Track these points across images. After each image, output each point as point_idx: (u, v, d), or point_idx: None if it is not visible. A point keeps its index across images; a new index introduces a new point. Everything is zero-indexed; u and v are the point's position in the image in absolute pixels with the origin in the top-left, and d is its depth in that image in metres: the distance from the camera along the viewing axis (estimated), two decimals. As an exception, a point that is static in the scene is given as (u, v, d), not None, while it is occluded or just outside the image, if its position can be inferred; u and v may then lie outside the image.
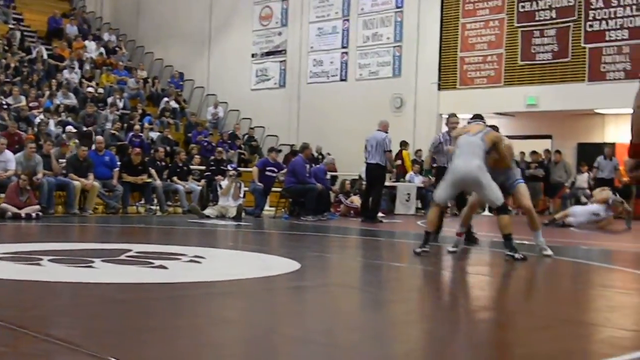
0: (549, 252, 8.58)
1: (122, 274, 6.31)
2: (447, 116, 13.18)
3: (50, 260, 6.70)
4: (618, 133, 20.48)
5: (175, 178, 16.14)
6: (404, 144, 20.57)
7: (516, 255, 8.11)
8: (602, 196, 15.12)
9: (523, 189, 8.85)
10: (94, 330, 4.11)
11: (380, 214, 17.01)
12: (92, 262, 6.74)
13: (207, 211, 15.05)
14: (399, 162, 19.74)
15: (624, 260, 9.86)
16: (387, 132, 14.72)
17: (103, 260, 6.85)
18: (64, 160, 14.74)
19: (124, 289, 5.57)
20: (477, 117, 8.98)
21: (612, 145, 20.30)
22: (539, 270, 8.18)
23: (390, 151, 14.90)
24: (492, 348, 4.27)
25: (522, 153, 21.51)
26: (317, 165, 16.81)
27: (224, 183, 15.35)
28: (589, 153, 20.72)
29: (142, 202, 15.91)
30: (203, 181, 16.69)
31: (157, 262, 6.91)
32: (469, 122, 8.98)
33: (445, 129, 12.08)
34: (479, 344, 4.35)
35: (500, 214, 8.30)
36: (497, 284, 7.37)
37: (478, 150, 8.28)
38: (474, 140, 8.37)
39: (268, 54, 25.19)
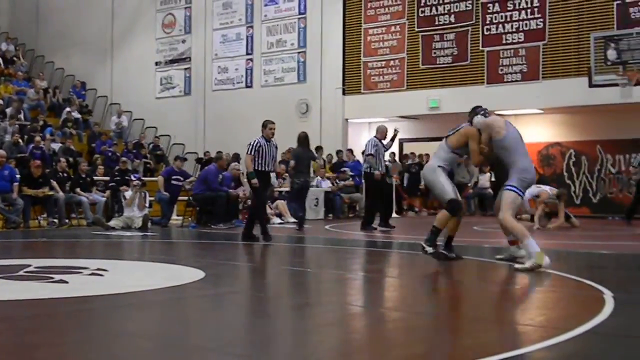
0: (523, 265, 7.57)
1: (19, 290, 6.15)
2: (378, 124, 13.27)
3: (-57, 280, 6.48)
4: (517, 133, 21.01)
5: (78, 189, 15.81)
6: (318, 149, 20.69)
7: (427, 249, 8.28)
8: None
9: (505, 198, 7.78)
10: (-15, 350, 4.01)
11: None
12: (-12, 279, 6.56)
13: (112, 222, 14.79)
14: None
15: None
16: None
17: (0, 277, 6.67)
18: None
19: (20, 305, 5.42)
20: (472, 111, 8.71)
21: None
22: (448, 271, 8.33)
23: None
24: (398, 348, 4.35)
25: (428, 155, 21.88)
26: (224, 173, 16.70)
27: (128, 194, 15.13)
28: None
29: (45, 215, 15.51)
30: (107, 192, 16.38)
31: (57, 277, 6.77)
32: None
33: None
34: (396, 344, 4.42)
35: (445, 208, 8.29)
36: (417, 286, 7.48)
37: (440, 151, 8.53)
38: (442, 142, 8.59)
39: (172, 61, 24.97)
